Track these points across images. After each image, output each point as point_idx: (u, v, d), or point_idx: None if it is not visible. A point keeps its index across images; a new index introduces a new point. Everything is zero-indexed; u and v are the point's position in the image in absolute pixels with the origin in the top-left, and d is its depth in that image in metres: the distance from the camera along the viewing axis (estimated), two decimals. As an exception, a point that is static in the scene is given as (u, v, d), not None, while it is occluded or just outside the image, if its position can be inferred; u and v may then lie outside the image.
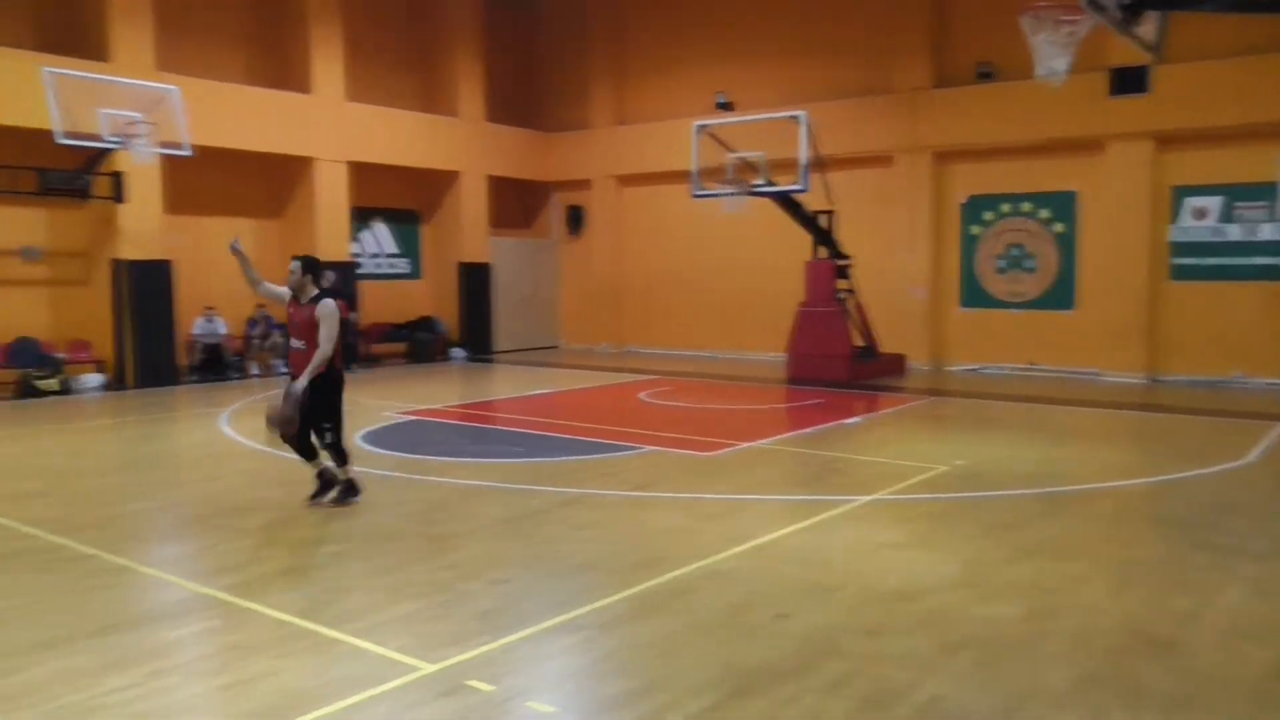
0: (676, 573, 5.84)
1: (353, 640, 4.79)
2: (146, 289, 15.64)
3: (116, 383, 15.54)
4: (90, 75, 13.61)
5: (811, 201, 15.76)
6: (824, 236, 15.95)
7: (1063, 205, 16.27)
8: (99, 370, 15.59)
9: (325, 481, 7.61)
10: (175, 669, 4.61)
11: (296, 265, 7.45)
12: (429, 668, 4.45)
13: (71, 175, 14.27)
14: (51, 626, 5.06)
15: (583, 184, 22.04)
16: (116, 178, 14.82)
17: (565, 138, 22.11)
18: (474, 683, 4.29)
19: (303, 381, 7.17)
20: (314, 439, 7.50)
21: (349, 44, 18.60)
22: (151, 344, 15.70)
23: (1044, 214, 16.47)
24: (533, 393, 15.07)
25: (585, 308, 22.34)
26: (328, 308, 7.26)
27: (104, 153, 14.00)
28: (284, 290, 7.61)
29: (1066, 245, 16.27)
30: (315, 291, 7.38)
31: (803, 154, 14.86)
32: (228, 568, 6.15)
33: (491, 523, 7.16)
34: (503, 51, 21.84)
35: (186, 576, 6.01)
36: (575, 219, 22.32)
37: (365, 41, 19.28)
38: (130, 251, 15.40)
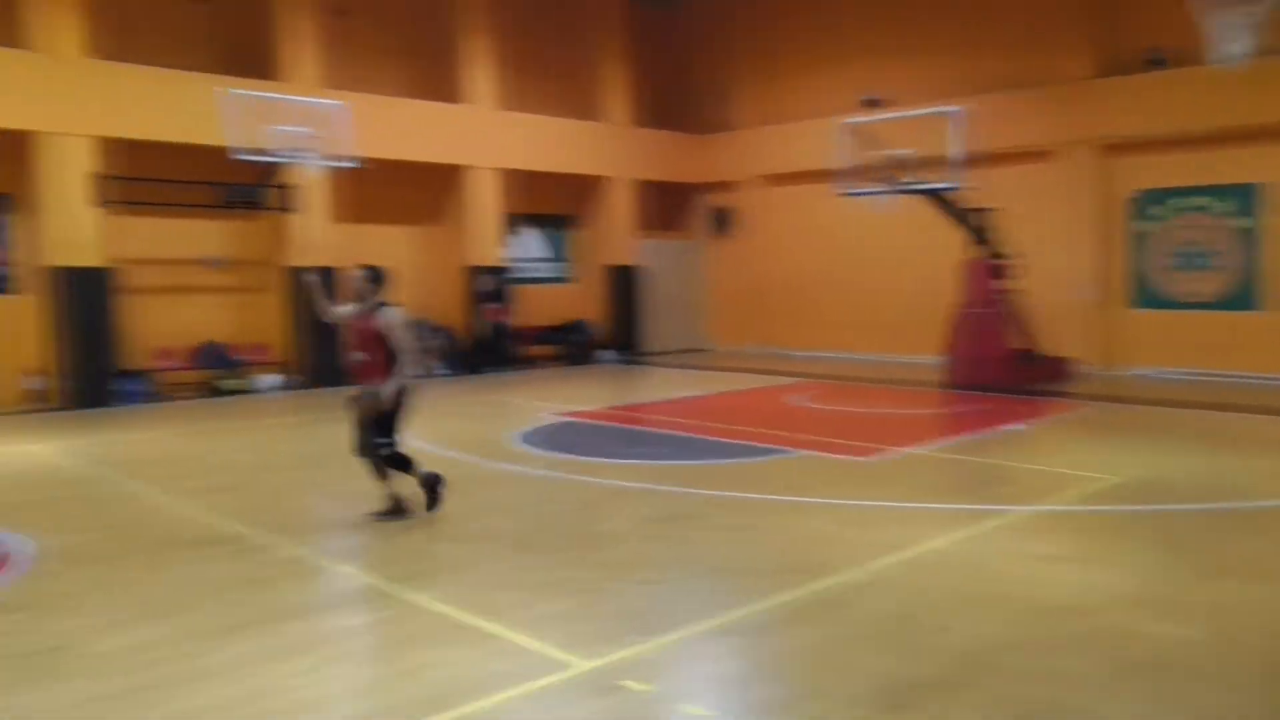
0: (830, 580, 5.74)
1: (509, 635, 4.92)
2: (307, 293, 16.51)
3: (292, 383, 16.51)
4: (263, 94, 14.47)
5: (969, 199, 15.24)
6: (980, 235, 15.39)
7: (1244, 198, 15.16)
8: (277, 371, 16.59)
9: (396, 504, 7.36)
10: (345, 656, 4.85)
11: (363, 274, 7.26)
12: (583, 665, 4.52)
13: (248, 189, 15.21)
14: (237, 612, 5.39)
15: (729, 185, 21.99)
16: (288, 190, 15.72)
17: (711, 139, 22.12)
18: (628, 682, 4.33)
19: (390, 386, 7.05)
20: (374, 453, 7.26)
21: (500, 55, 19.17)
22: (322, 346, 16.58)
23: (1223, 208, 15.39)
24: (681, 394, 15.13)
25: (734, 309, 22.28)
26: (395, 316, 7.12)
27: (277, 167, 14.86)
28: (349, 309, 7.44)
29: (1250, 242, 15.16)
30: (376, 301, 7.19)
31: (956, 150, 14.38)
32: (392, 560, 6.42)
33: (643, 523, 7.22)
34: (649, 56, 22.04)
35: (356, 568, 6.31)
36: (721, 220, 22.29)
37: (516, 52, 19.80)
38: (302, 259, 16.30)
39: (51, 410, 14.24)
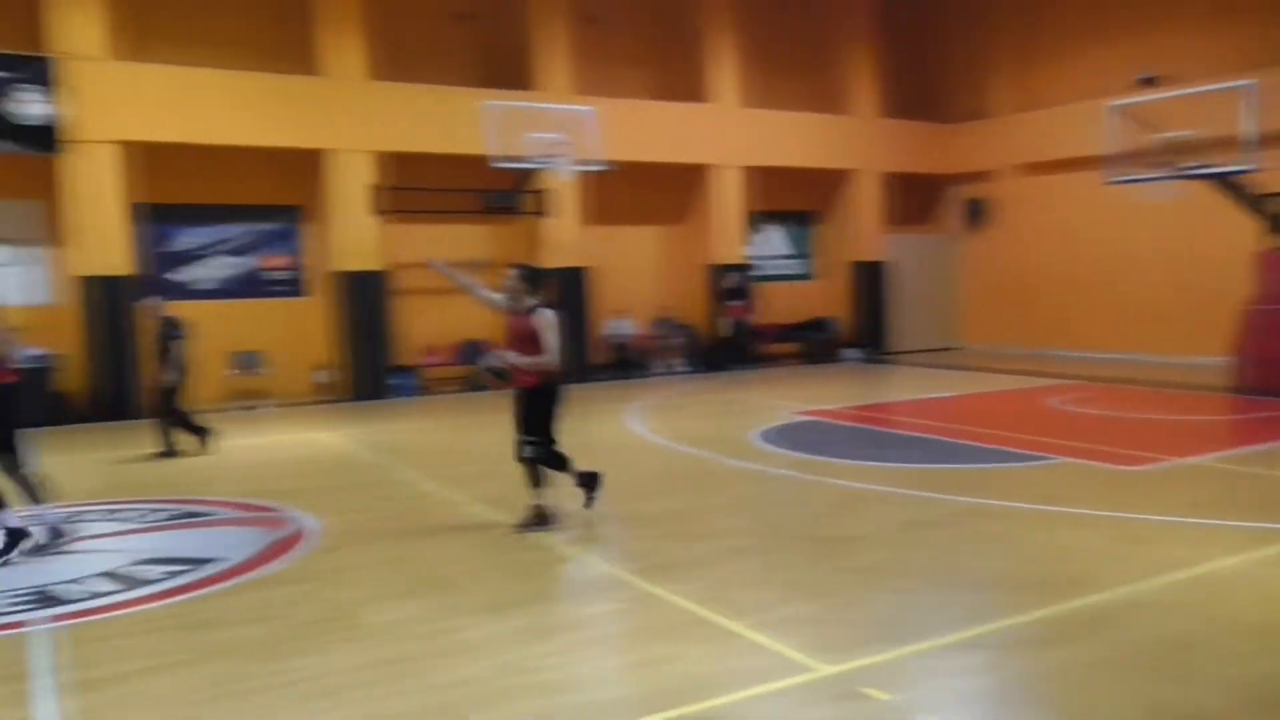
0: (1096, 597, 5.30)
1: (749, 634, 4.88)
2: (567, 294, 17.23)
3: (542, 379, 17.32)
4: (520, 104, 15.24)
5: (1263, 183, 13.65)
6: (1277, 223, 13.75)
7: None
8: (528, 367, 17.44)
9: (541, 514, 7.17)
10: (591, 642, 5.00)
11: (515, 274, 7.14)
12: (825, 669, 4.42)
13: (506, 195, 16.06)
14: (492, 592, 5.70)
15: (984, 175, 20.91)
16: (542, 194, 16.47)
17: (964, 128, 21.11)
18: (870, 690, 4.19)
19: (510, 356, 6.98)
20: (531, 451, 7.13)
21: (744, 53, 19.20)
22: (572, 344, 17.27)
23: None
24: (931, 395, 14.54)
25: (988, 306, 21.18)
26: (548, 318, 6.97)
27: (532, 173, 15.60)
28: (498, 297, 7.37)
29: None
30: (533, 302, 7.04)
31: (1249, 129, 12.92)
32: (636, 553, 6.55)
33: (890, 528, 6.97)
34: (897, 44, 21.33)
35: (601, 558, 6.49)
36: (975, 212, 21.23)
37: (759, 49, 19.76)
38: (554, 260, 17.04)
39: (336, 402, 15.70)
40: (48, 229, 14.64)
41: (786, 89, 20.28)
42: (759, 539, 6.83)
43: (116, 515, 7.97)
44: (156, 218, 15.16)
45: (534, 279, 7.16)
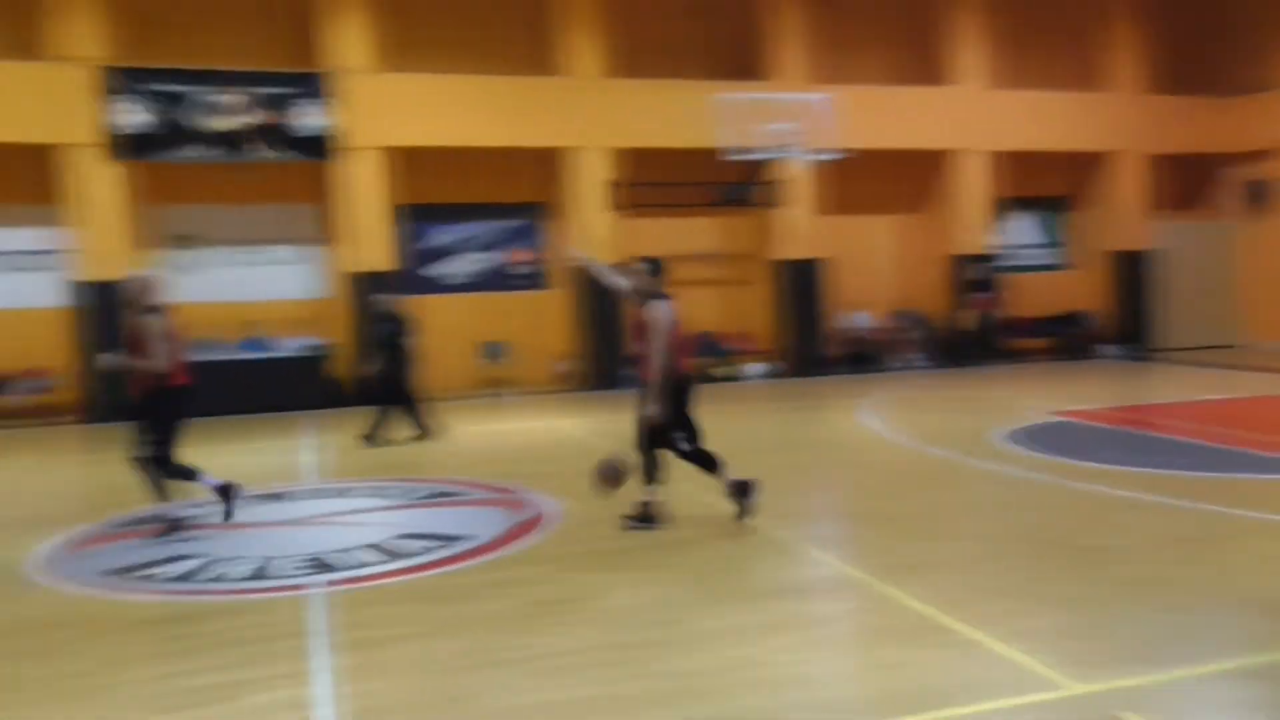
0: None
1: (992, 644, 4.63)
2: (800, 286, 17.07)
3: (777, 370, 17.23)
4: (752, 95, 15.17)
5: None
6: None
7: None
8: (762, 359, 17.41)
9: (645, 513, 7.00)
10: (826, 640, 4.91)
11: (642, 266, 7.04)
12: (1075, 688, 4.11)
13: (738, 187, 16.08)
14: (725, 585, 5.72)
15: (1266, 154, 18.79)
16: (774, 185, 16.35)
17: (1244, 102, 19.03)
18: (1127, 715, 3.86)
19: (650, 409, 6.76)
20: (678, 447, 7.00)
21: (990, 30, 18.21)
22: (805, 336, 17.09)
23: None
24: (1204, 397, 13.26)
25: (1272, 299, 19.04)
26: (659, 311, 6.77)
27: (763, 164, 15.52)
28: (624, 283, 7.25)
29: None
30: (650, 293, 6.91)
31: None
32: (871, 552, 6.38)
33: (1154, 540, 6.41)
34: (1164, 12, 19.52)
35: (836, 556, 6.36)
36: (1257, 195, 19.13)
37: (1008, 25, 18.65)
38: (786, 252, 16.89)
39: (576, 391, 16.31)
40: (321, 230, 16.11)
41: (1037, 67, 19.06)
42: (1005, 545, 6.46)
43: (381, 492, 8.64)
44: (413, 217, 16.32)
45: (653, 271, 7.02)
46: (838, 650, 4.84)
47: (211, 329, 14.77)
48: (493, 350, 16.76)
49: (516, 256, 17.34)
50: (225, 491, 7.30)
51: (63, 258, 14.87)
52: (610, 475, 6.91)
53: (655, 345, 6.74)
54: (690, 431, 7.05)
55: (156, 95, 14.29)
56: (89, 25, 14.04)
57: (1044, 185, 19.62)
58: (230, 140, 14.65)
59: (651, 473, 6.96)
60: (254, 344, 15.23)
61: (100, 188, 14.19)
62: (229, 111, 14.62)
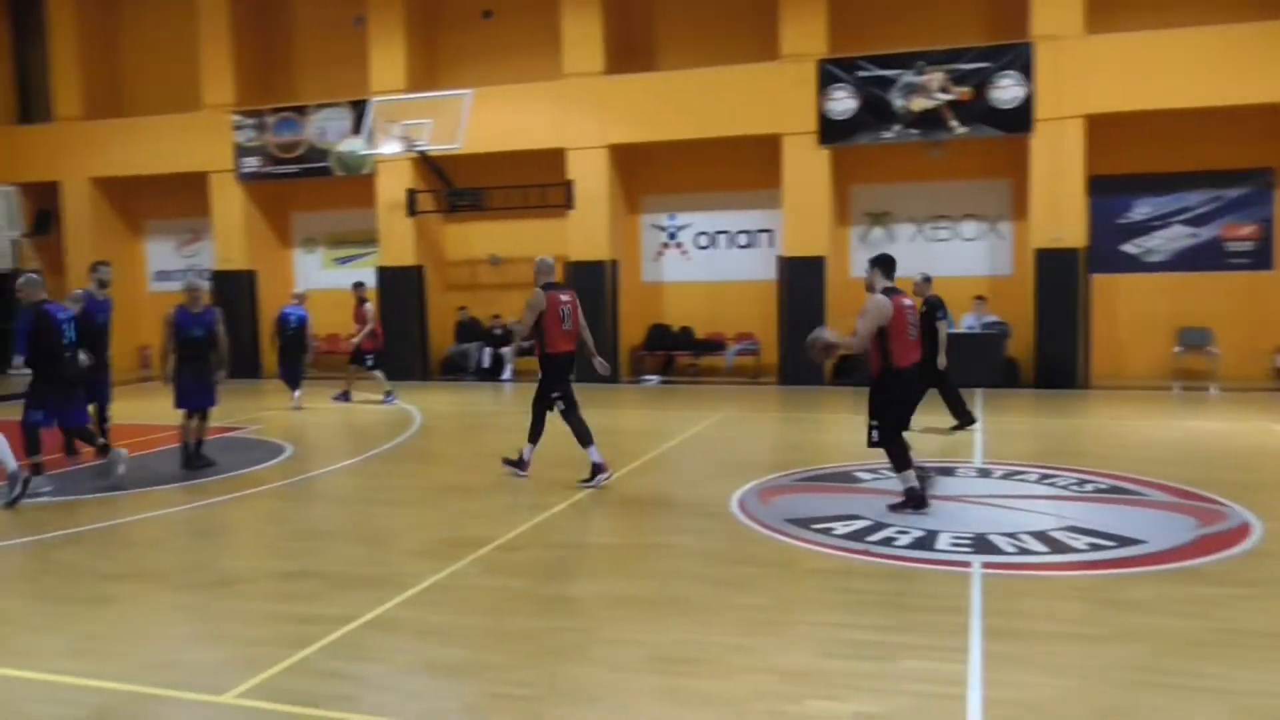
0: None
1: None
2: None
3: None
4: None
5: None
6: None
7: None
8: None
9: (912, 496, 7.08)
10: None
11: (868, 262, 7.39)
12: None
13: None
14: None
15: None
16: None
17: None
18: None
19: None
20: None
21: None
22: None
23: None
24: None
25: None
26: (870, 304, 7.11)
27: None
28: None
29: None
30: (879, 286, 7.21)
31: None
32: None
33: None
34: None
35: None
36: None
37: None
38: None
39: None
40: (1011, 205, 15.81)
41: None
42: None
43: (1051, 480, 8.31)
44: (1109, 189, 15.15)
45: (881, 264, 7.28)
46: None
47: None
48: (1195, 337, 14.91)
49: (1232, 231, 15.09)
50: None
51: (773, 236, 16.89)
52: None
53: (859, 331, 7.13)
54: (880, 423, 7.13)
55: (863, 81, 15.30)
56: (812, 24, 15.53)
57: None
58: (928, 119, 15.10)
59: (899, 460, 7.14)
60: (933, 319, 15.58)
61: (809, 172, 15.72)
62: (927, 91, 15.07)
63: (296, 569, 6.17)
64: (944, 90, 14.99)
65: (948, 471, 8.59)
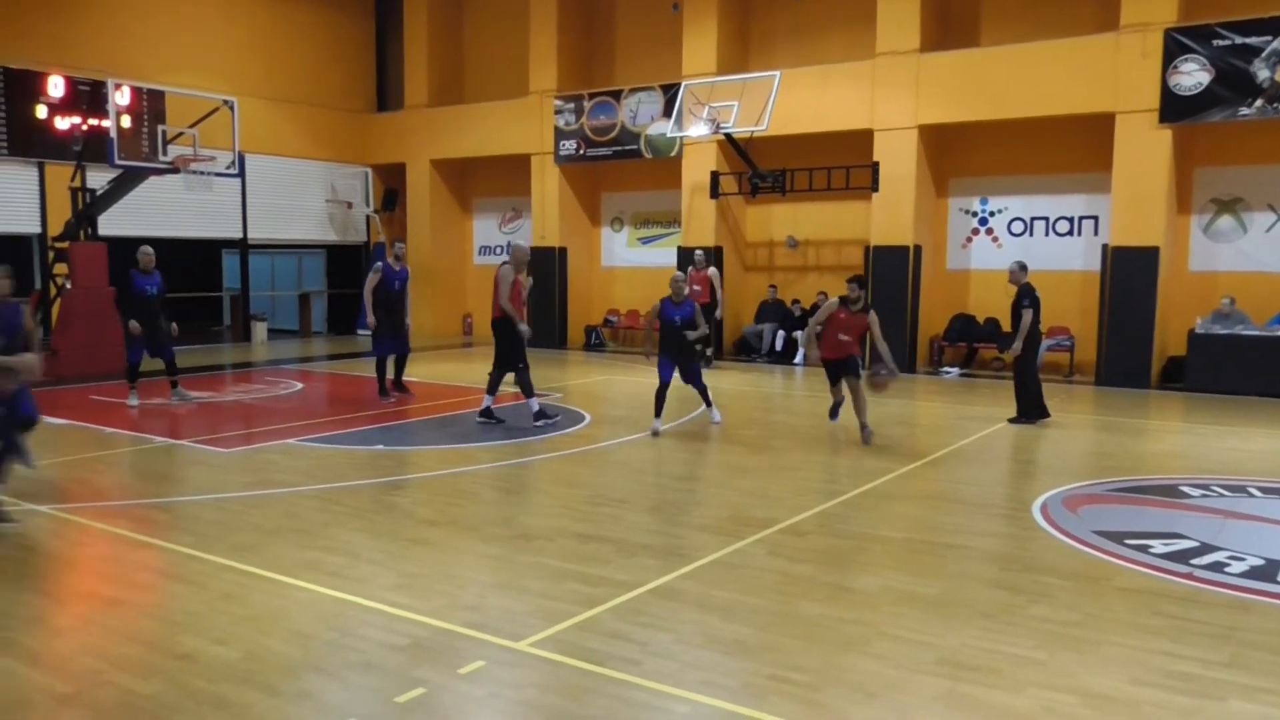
0: None
1: None
2: None
3: None
4: None
5: None
6: None
7: None
8: None
9: None
10: None
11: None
12: None
13: None
14: None
15: None
16: None
17: None
18: None
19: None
20: None
21: None
22: None
23: None
24: None
25: None
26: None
27: None
28: None
29: None
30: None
31: None
32: None
33: None
34: None
35: None
36: None
37: None
38: None
39: None
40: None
41: None
42: None
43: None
44: None
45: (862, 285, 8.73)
46: None
47: (1246, 301, 13.77)
48: None
49: None
50: None
51: (1099, 223, 15.51)
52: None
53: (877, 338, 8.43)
54: None
55: (1220, 51, 13.62)
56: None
57: None
58: (1290, 94, 13.22)
59: None
60: (1289, 320, 13.74)
61: (1146, 153, 14.26)
62: (1294, 61, 13.19)
63: (589, 531, 6.49)
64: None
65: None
